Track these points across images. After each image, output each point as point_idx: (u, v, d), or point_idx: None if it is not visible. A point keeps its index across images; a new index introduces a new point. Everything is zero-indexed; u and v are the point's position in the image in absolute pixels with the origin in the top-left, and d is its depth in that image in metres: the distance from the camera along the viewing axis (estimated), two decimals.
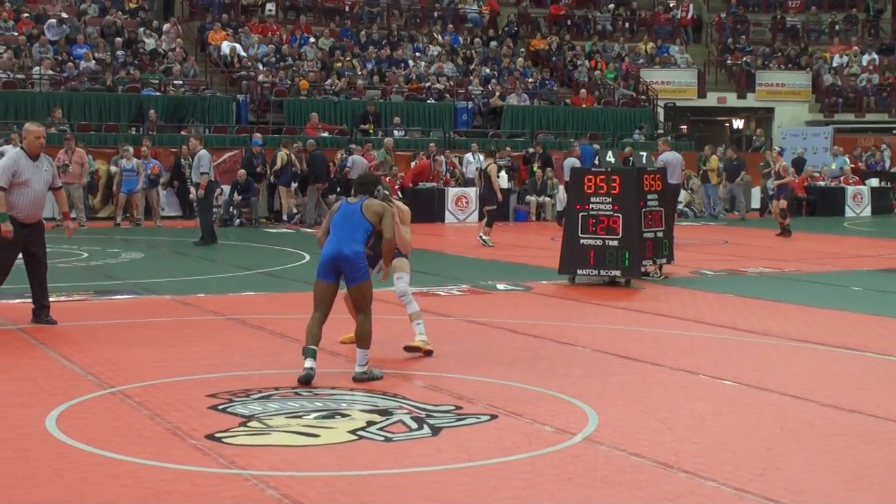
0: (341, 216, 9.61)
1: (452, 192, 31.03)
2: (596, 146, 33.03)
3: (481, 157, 31.68)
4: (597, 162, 17.05)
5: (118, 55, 34.58)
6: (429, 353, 10.63)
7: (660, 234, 16.86)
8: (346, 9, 42.12)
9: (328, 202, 28.55)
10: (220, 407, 8.47)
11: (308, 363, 9.26)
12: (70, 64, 33.27)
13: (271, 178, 29.03)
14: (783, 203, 26.14)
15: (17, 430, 7.77)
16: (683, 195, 32.64)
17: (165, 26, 36.84)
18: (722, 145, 37.57)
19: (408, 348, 10.69)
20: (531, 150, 33.23)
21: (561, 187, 29.60)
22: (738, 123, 47.90)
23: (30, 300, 12.78)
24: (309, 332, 9.47)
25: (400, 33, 41.22)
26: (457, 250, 22.48)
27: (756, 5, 48.81)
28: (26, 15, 35.68)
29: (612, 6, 46.28)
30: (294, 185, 29.24)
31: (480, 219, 23.43)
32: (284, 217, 28.95)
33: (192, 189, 28.46)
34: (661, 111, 41.04)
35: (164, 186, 29.01)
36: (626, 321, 13.28)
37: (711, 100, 43.87)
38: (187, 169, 29.25)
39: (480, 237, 23.16)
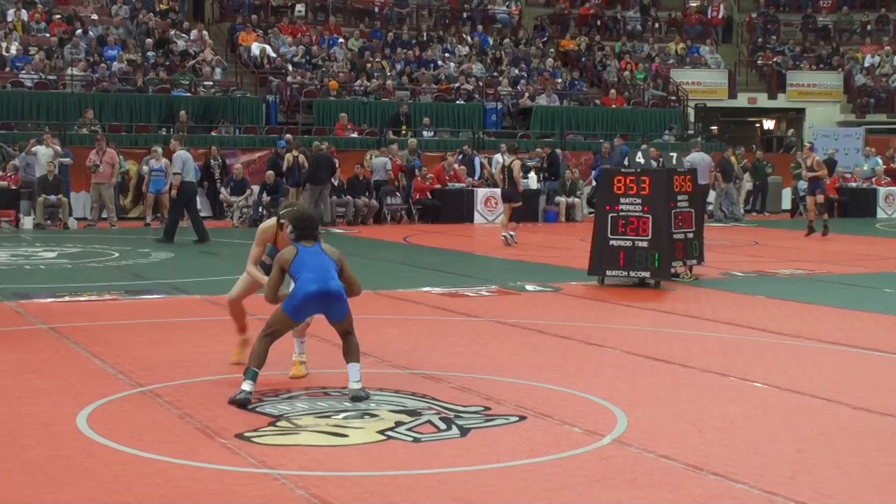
0: (307, 258, 8.90)
1: (481, 193, 30.99)
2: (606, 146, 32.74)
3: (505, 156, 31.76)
4: (626, 163, 17.01)
5: (149, 56, 34.74)
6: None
7: (690, 235, 16.80)
8: (376, 10, 42.17)
9: (327, 203, 28.62)
10: (249, 407, 8.49)
11: (247, 385, 8.64)
12: (102, 65, 33.44)
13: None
14: (820, 198, 25.84)
15: (49, 428, 7.81)
16: (713, 196, 32.53)
17: (193, 33, 36.94)
18: (740, 146, 37.28)
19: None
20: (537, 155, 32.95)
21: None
22: (768, 124, 47.70)
23: (62, 300, 12.85)
24: (257, 356, 8.83)
25: (429, 34, 41.25)
26: (486, 251, 22.47)
27: (787, 5, 48.57)
28: (58, 17, 35.88)
29: (640, 5, 46.14)
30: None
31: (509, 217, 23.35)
32: None
33: (224, 190, 28.66)
34: (691, 112, 40.90)
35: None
36: (655, 322, 13.24)
37: (742, 100, 43.71)
38: (217, 170, 29.40)
39: (505, 236, 23.05)
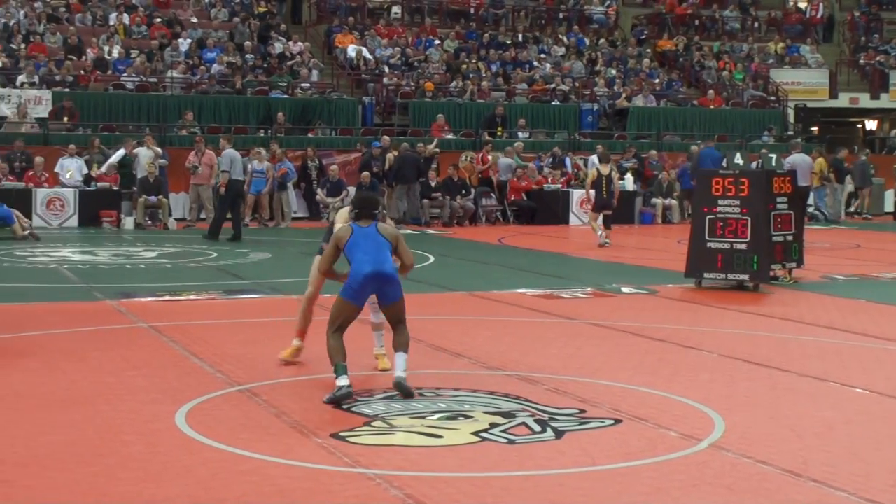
0: (361, 240, 9.08)
1: (577, 194, 30.84)
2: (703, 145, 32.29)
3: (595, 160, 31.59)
4: (725, 164, 16.82)
5: (247, 59, 35.12)
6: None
7: (789, 238, 16.59)
8: (472, 11, 42.21)
9: (414, 202, 28.84)
10: (344, 406, 8.54)
11: (343, 381, 8.74)
12: (201, 68, 33.87)
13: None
14: None
15: (148, 425, 7.93)
16: (812, 198, 32.11)
17: (291, 44, 37.23)
18: (842, 148, 36.70)
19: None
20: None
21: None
22: (870, 125, 46.89)
23: (162, 299, 13.02)
24: (337, 351, 8.94)
25: (525, 35, 41.19)
26: (581, 253, 22.38)
27: (889, 3, 47.74)
28: (159, 20, 36.41)
29: (738, 4, 45.64)
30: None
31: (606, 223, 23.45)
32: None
33: (320, 191, 28.85)
34: (791, 112, 40.37)
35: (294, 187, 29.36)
36: (753, 326, 13.09)
37: (843, 100, 43.01)
38: (314, 171, 29.63)
39: (604, 240, 23.16)
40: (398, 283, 9.13)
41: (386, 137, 30.56)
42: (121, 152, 27.56)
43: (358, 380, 9.42)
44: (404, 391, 8.85)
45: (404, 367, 8.96)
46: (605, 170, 23.66)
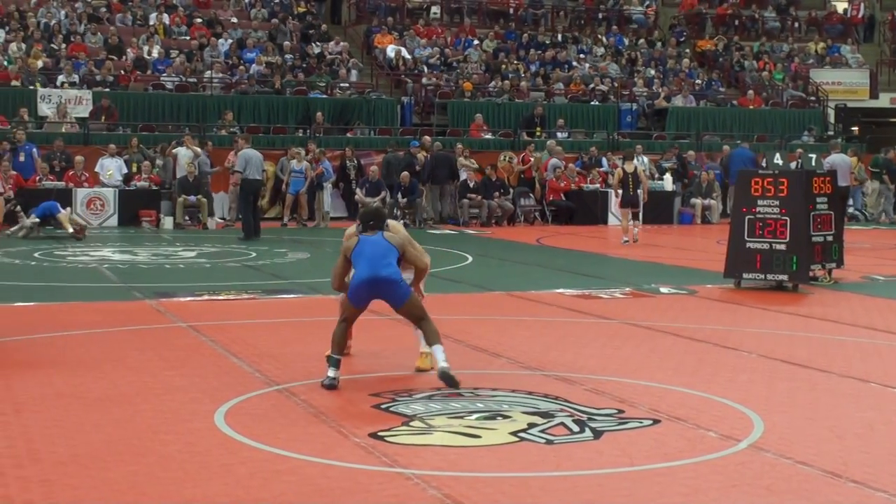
0: (366, 248, 9.35)
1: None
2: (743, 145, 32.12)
3: (646, 160, 31.52)
4: (764, 164, 16.75)
5: (286, 59, 35.23)
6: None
7: (829, 238, 16.49)
8: (511, 11, 42.18)
9: (448, 201, 28.94)
10: (382, 406, 8.55)
11: (331, 372, 9.18)
12: (241, 67, 34.01)
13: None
14: None
15: (187, 424, 7.96)
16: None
17: (331, 45, 37.36)
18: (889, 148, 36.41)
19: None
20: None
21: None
22: None
23: (201, 299, 13.07)
24: (336, 343, 9.35)
25: (564, 35, 41.12)
26: (619, 253, 22.32)
27: None
28: (199, 20, 36.59)
29: (776, 5, 45.39)
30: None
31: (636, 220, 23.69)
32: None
33: (359, 191, 28.90)
34: (831, 112, 40.11)
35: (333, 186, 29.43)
36: (793, 326, 13.01)
37: (884, 101, 42.64)
38: (352, 171, 29.68)
39: (627, 240, 23.59)
40: (400, 285, 9.38)
41: (427, 138, 30.59)
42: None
43: (397, 379, 9.45)
44: (449, 381, 9.03)
45: (444, 356, 9.17)
46: (629, 167, 23.96)
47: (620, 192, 24.02)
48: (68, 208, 24.71)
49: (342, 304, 9.70)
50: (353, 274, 9.43)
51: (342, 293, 9.85)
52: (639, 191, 23.78)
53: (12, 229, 23.59)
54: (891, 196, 33.22)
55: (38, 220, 23.77)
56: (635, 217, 23.96)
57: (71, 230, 23.50)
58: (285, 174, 28.10)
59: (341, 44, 37.14)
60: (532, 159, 30.69)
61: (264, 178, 28.11)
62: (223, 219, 27.94)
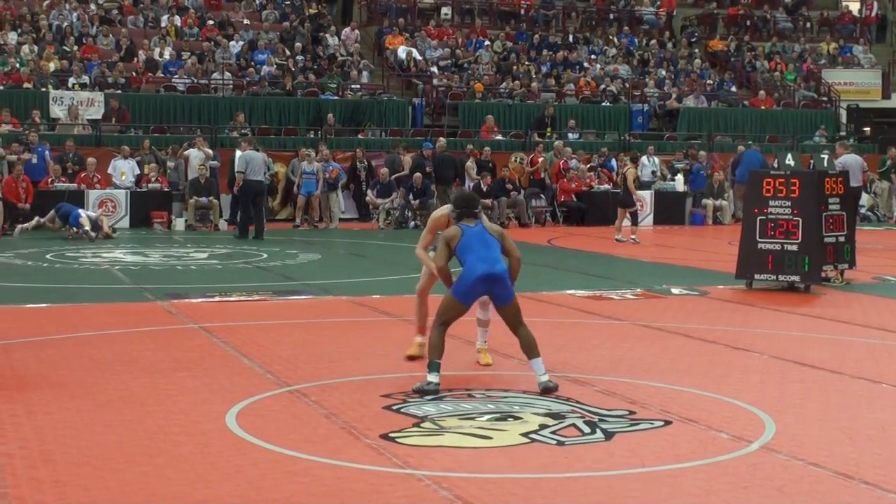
0: (473, 241, 9.28)
1: None
2: (756, 147, 32.00)
3: (657, 161, 31.52)
4: (775, 164, 16.69)
5: (297, 60, 35.26)
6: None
7: (841, 239, 16.46)
8: (522, 12, 42.16)
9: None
10: (394, 407, 8.56)
11: (433, 377, 9.05)
12: (251, 69, 34.05)
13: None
14: None
15: (199, 425, 7.97)
16: (866, 199, 31.81)
17: (345, 31, 37.46)
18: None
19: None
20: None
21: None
22: None
23: (212, 300, 13.09)
24: (435, 347, 9.21)
25: (575, 36, 41.10)
26: (630, 254, 22.31)
27: None
28: (211, 22, 36.64)
29: (784, 6, 45.31)
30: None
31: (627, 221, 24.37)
32: None
33: (370, 192, 28.93)
34: (843, 113, 40.03)
35: (343, 189, 29.44)
36: (804, 327, 12.99)
37: None
38: (363, 172, 29.70)
39: (618, 239, 24.13)
40: (509, 285, 9.34)
41: (441, 140, 30.57)
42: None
43: (408, 380, 9.45)
44: (552, 392, 9.06)
45: (543, 370, 9.21)
46: (623, 169, 24.30)
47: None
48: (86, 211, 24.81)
49: (444, 304, 9.40)
50: (464, 270, 9.28)
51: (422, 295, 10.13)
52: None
53: (23, 225, 24.02)
54: None
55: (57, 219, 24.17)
56: (633, 217, 24.52)
57: (94, 235, 23.65)
58: (296, 175, 28.12)
59: (356, 31, 37.23)
60: (540, 160, 30.67)
61: (272, 178, 28.21)
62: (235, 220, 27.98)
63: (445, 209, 9.97)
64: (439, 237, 9.87)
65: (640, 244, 23.74)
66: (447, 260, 9.48)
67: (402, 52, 36.78)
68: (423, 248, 10.18)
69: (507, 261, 9.47)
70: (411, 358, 10.44)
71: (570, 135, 33.82)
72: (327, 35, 36.90)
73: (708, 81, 39.24)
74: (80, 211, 24.15)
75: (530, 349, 9.30)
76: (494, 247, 9.31)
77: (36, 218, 24.50)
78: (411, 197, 28.27)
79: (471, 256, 9.21)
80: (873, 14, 45.72)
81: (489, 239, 9.31)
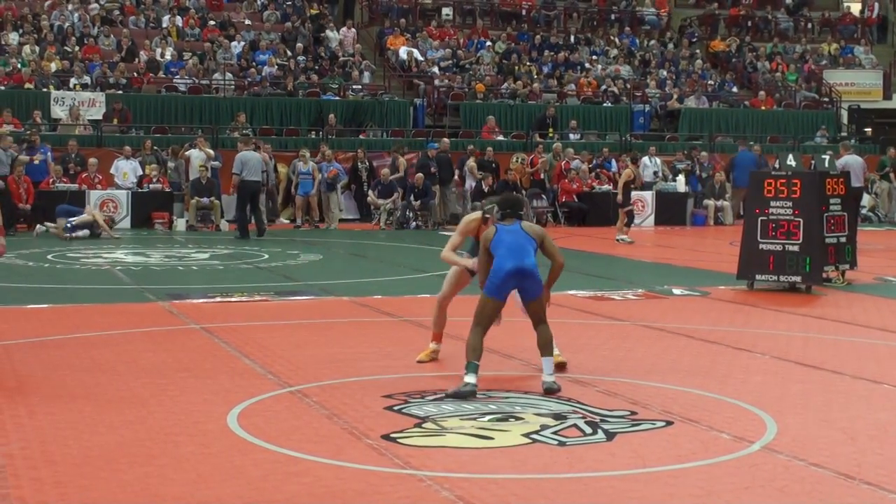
0: (505, 237, 9.33)
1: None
2: (756, 147, 31.97)
3: (658, 161, 31.52)
4: (776, 166, 16.70)
5: (299, 60, 35.27)
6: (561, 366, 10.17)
7: (843, 240, 16.46)
8: (523, 12, 42.17)
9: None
10: (395, 408, 8.55)
11: (470, 378, 9.01)
12: (252, 69, 34.06)
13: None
14: None
15: (200, 426, 7.97)
16: (867, 199, 31.82)
17: (342, 31, 37.47)
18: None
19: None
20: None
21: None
22: None
23: (213, 300, 13.08)
24: (474, 349, 9.21)
25: (576, 36, 41.11)
26: (632, 254, 22.30)
27: None
28: (212, 22, 36.65)
29: (785, 7, 45.31)
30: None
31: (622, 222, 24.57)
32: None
33: (371, 192, 28.93)
34: (844, 114, 40.03)
35: (343, 189, 29.44)
36: (806, 328, 12.99)
37: None
38: (364, 172, 29.70)
39: (620, 238, 24.28)
40: (539, 280, 9.40)
41: (445, 140, 30.57)
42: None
43: (410, 381, 9.45)
44: (554, 394, 9.08)
45: (550, 370, 9.25)
46: (622, 169, 24.65)
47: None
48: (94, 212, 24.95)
49: (480, 306, 9.44)
50: (495, 264, 9.33)
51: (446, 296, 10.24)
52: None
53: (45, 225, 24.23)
54: None
55: (69, 225, 24.15)
56: (628, 217, 25.01)
57: (99, 232, 23.80)
58: (294, 176, 28.16)
59: (352, 30, 37.25)
60: (540, 161, 30.66)
61: (271, 179, 28.20)
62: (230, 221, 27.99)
63: (477, 214, 10.06)
64: (468, 241, 10.10)
65: (633, 244, 23.73)
66: (488, 265, 9.45)
67: (403, 52, 36.80)
68: (451, 249, 10.19)
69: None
70: (422, 362, 10.44)
71: (571, 135, 33.84)
72: (328, 32, 36.89)
73: (709, 82, 39.26)
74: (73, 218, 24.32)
75: (545, 347, 9.39)
76: (527, 244, 9.37)
77: (54, 225, 24.51)
78: (412, 197, 28.27)
79: (501, 251, 9.31)
80: (874, 15, 45.73)
81: (524, 237, 9.37)
